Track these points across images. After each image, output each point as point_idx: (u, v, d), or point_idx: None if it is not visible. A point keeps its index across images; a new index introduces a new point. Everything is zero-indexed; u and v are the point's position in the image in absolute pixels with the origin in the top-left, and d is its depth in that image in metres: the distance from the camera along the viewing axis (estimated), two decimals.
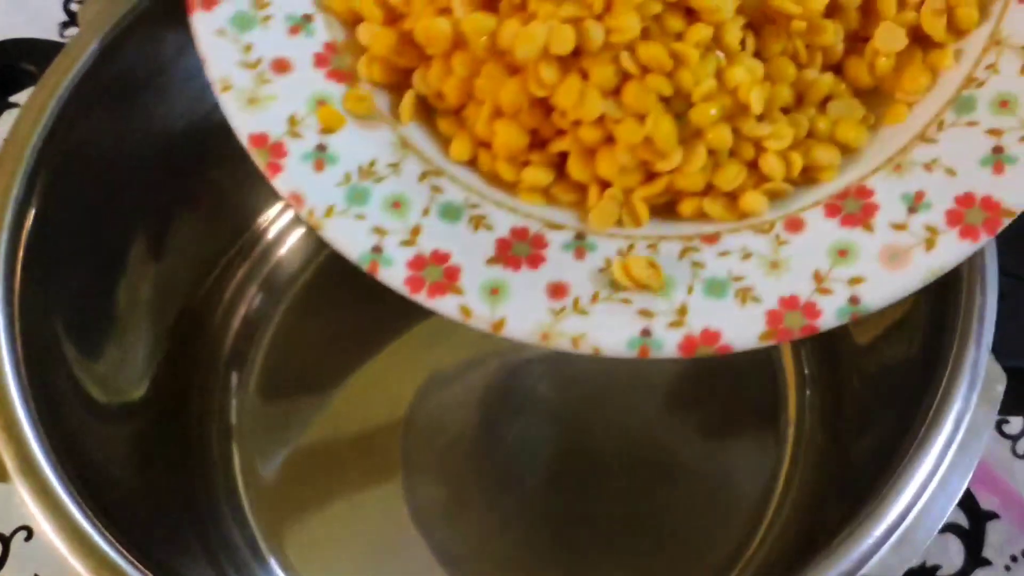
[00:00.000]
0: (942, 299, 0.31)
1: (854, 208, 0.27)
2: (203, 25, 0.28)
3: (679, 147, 0.27)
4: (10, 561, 0.42)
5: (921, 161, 0.27)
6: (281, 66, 0.28)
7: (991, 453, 0.43)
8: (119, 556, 0.28)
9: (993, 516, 0.42)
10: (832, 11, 0.28)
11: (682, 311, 0.26)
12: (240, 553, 0.40)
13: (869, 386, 0.38)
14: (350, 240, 0.27)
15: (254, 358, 0.43)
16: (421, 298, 0.26)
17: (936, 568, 0.41)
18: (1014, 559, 0.41)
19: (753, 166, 0.28)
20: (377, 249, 0.27)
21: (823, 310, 0.25)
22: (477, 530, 0.40)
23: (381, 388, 0.42)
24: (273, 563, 0.40)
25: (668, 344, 0.26)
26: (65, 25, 0.54)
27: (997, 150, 0.26)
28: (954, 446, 0.28)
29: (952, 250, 0.26)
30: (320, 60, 0.29)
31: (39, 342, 0.32)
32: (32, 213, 0.33)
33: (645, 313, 0.26)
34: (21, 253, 0.32)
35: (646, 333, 0.26)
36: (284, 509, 0.41)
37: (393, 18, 0.29)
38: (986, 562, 0.41)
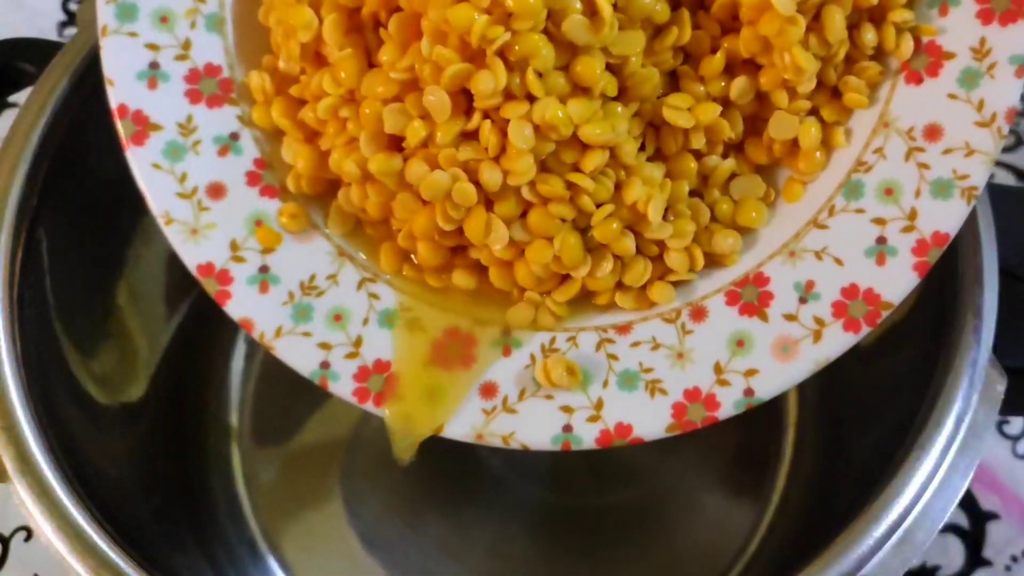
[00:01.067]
0: (942, 299, 0.31)
1: (751, 296, 0.29)
2: (138, 160, 0.30)
3: (587, 256, 0.28)
4: (10, 561, 0.42)
5: (813, 248, 0.28)
6: (216, 191, 0.30)
7: (991, 453, 0.43)
8: (118, 556, 0.28)
9: (993, 516, 0.42)
10: (726, 104, 0.29)
11: (599, 405, 0.28)
12: (238, 552, 0.40)
13: (869, 386, 0.38)
14: (300, 358, 0.29)
15: (254, 358, 0.43)
16: (369, 407, 0.29)
17: (936, 568, 0.41)
18: (1014, 559, 0.41)
19: (659, 258, 0.29)
20: (325, 364, 0.29)
21: (722, 402, 0.28)
22: (475, 528, 0.40)
23: None
24: (271, 562, 0.40)
25: (587, 438, 0.28)
26: (64, 25, 0.54)
27: (880, 240, 0.28)
28: (954, 446, 0.28)
29: (836, 342, 0.28)
30: (252, 178, 0.30)
31: (39, 342, 0.32)
32: (32, 213, 0.33)
33: (566, 409, 0.28)
34: (21, 253, 0.32)
35: (568, 429, 0.28)
36: (282, 508, 0.41)
37: (312, 135, 0.30)
38: (986, 562, 0.41)
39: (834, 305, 0.28)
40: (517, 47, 0.26)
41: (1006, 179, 0.49)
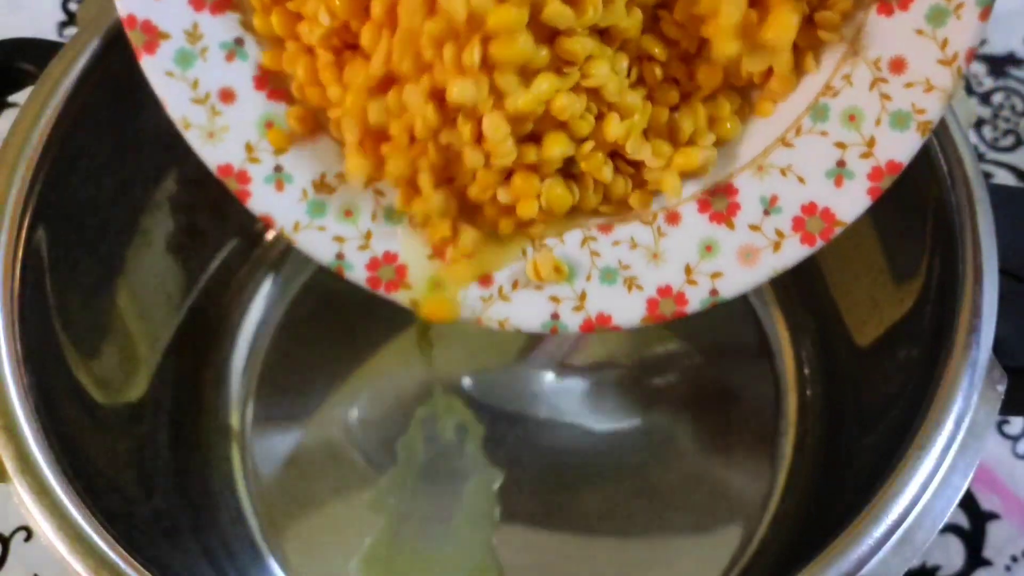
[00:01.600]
0: (942, 299, 0.31)
1: (721, 206, 0.31)
2: (152, 68, 0.31)
3: (573, 189, 0.31)
4: (10, 561, 0.42)
5: (779, 165, 0.30)
6: (227, 95, 0.31)
7: (991, 453, 0.43)
8: (118, 556, 0.28)
9: (993, 516, 0.42)
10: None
11: (582, 297, 0.31)
12: (239, 552, 0.40)
13: (869, 386, 0.38)
14: (318, 249, 0.31)
15: (254, 358, 0.43)
16: (381, 292, 0.31)
17: (936, 568, 0.41)
18: (1014, 559, 0.41)
19: (638, 171, 0.31)
20: (340, 256, 0.31)
21: (690, 299, 0.31)
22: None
23: (380, 388, 0.42)
24: (272, 562, 0.40)
25: (572, 325, 0.31)
26: (64, 25, 0.54)
27: (840, 163, 0.29)
28: (954, 446, 0.28)
29: (793, 253, 0.30)
30: (259, 82, 0.31)
31: (39, 342, 0.32)
32: (32, 213, 0.33)
33: (554, 299, 0.31)
34: (21, 253, 0.32)
35: (555, 316, 0.31)
36: (283, 509, 0.41)
37: (310, 48, 0.31)
38: (986, 562, 0.41)
39: (794, 220, 0.30)
40: (494, 51, 0.27)
41: (1006, 179, 0.49)
